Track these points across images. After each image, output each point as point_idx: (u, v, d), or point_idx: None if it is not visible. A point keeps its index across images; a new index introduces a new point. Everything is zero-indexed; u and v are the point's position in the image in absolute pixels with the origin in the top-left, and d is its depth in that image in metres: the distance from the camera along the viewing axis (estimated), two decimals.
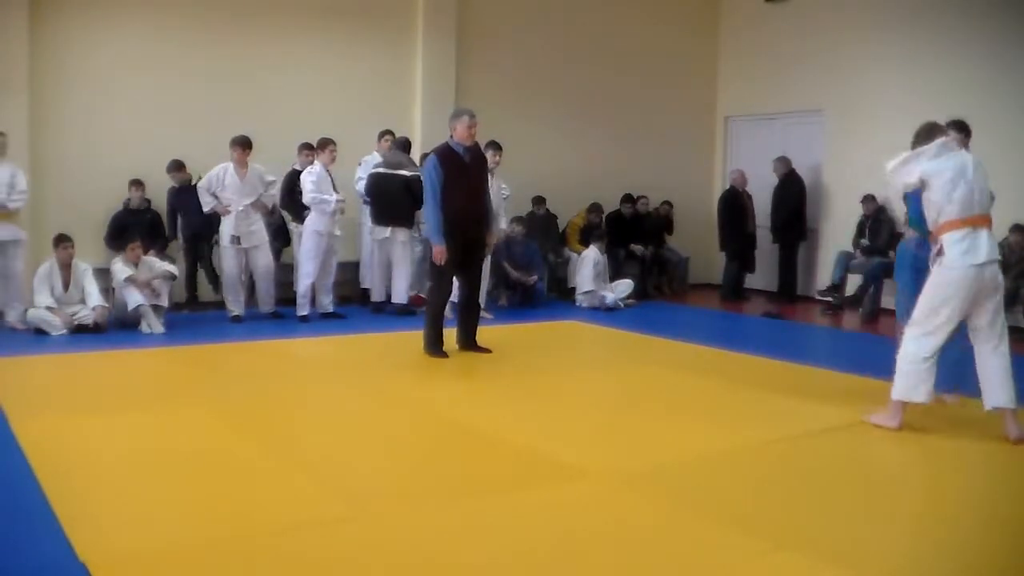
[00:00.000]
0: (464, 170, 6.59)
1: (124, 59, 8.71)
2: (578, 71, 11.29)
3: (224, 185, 8.14)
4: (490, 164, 8.41)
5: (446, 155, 6.58)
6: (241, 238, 8.21)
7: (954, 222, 4.67)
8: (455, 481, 3.97)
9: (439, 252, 6.54)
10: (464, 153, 6.63)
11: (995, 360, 4.67)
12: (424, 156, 9.44)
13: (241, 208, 8.17)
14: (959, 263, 4.60)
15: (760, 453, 4.51)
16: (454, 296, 7.08)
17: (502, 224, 8.56)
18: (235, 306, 8.29)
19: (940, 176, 4.70)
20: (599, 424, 5.05)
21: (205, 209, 8.22)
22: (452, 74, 10.34)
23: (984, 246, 4.64)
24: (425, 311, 6.92)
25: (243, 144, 8.13)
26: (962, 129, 5.24)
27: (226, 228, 8.20)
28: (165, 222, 8.76)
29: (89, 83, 8.58)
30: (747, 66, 12.10)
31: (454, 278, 6.85)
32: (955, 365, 5.09)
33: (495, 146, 8.68)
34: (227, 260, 8.25)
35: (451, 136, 6.69)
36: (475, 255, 6.82)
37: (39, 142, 8.28)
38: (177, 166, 8.66)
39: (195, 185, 8.45)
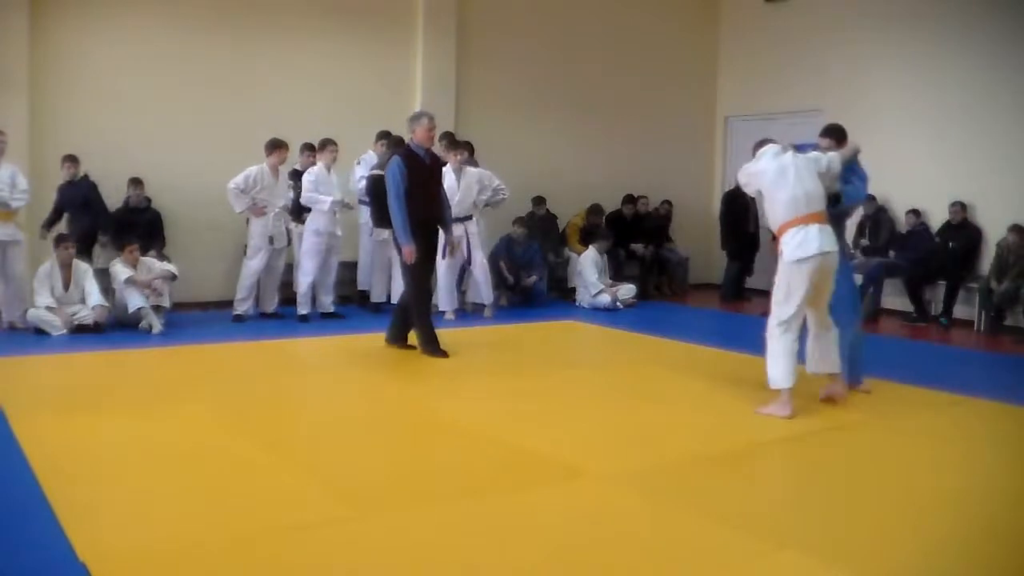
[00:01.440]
0: (425, 172, 6.72)
1: (124, 59, 8.71)
2: (578, 71, 11.29)
3: (262, 187, 8.20)
4: (458, 163, 8.51)
5: (409, 157, 6.69)
6: (274, 239, 8.34)
7: (788, 222, 5.18)
8: (454, 481, 3.97)
9: (409, 252, 6.61)
10: (424, 156, 6.76)
11: (825, 339, 5.32)
12: None
13: (277, 209, 8.31)
14: (793, 257, 5.10)
15: (760, 453, 4.52)
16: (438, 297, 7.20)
17: (468, 228, 8.66)
18: (243, 306, 8.32)
19: (762, 181, 5.31)
20: (599, 424, 5.04)
21: (237, 210, 8.22)
22: (452, 74, 10.33)
23: (815, 240, 5.10)
24: (412, 312, 6.92)
25: (284, 146, 8.28)
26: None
27: (260, 229, 8.26)
28: (50, 218, 8.14)
29: (89, 83, 8.57)
30: (747, 66, 12.09)
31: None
32: (852, 356, 5.63)
33: (464, 145, 8.93)
34: (256, 261, 8.29)
35: (411, 139, 6.81)
36: (432, 255, 6.96)
37: (39, 142, 8.27)
38: (70, 159, 8.19)
39: (72, 182, 8.13)
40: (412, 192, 6.58)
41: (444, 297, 8.70)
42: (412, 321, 7.04)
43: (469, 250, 8.64)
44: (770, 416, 5.08)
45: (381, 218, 8.60)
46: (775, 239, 5.33)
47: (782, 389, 5.10)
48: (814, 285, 5.12)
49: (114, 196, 8.54)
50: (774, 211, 5.28)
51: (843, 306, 5.47)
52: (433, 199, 6.82)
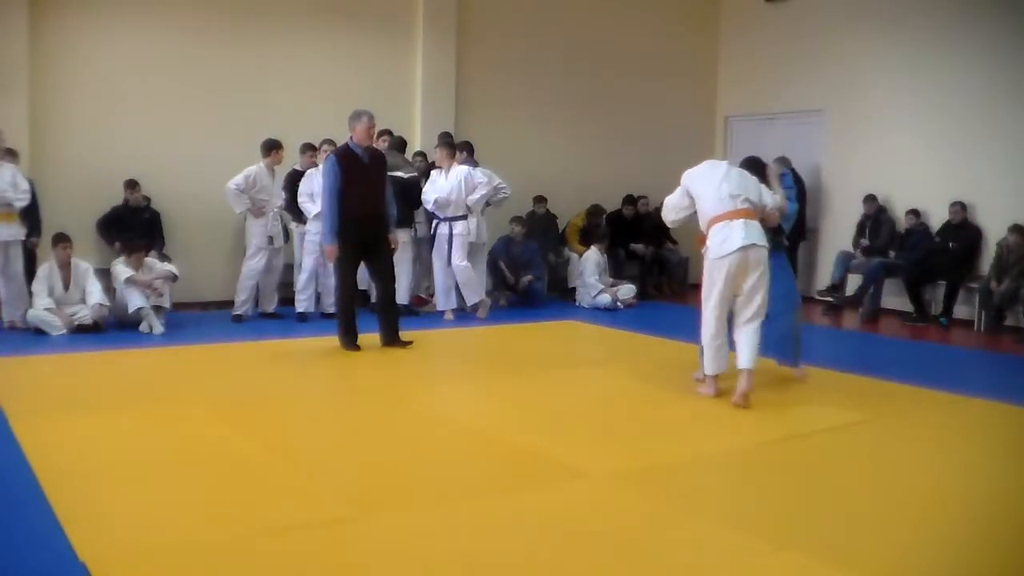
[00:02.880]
0: (363, 170, 6.78)
1: (124, 59, 8.70)
2: (578, 71, 11.29)
3: (260, 187, 8.24)
4: (449, 163, 8.55)
5: (345, 156, 6.76)
6: (274, 239, 8.39)
7: (714, 218, 5.34)
8: (455, 481, 3.97)
9: (330, 251, 6.76)
10: (363, 154, 6.82)
11: (746, 333, 5.35)
12: (416, 155, 9.48)
13: (275, 209, 8.37)
14: (717, 253, 5.27)
15: (760, 453, 4.51)
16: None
17: (455, 228, 8.63)
18: (243, 307, 8.34)
19: (695, 185, 5.53)
20: (599, 424, 5.04)
21: (237, 210, 8.26)
22: (452, 74, 10.34)
23: (738, 234, 5.22)
24: (335, 306, 7.14)
25: (280, 147, 8.35)
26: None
27: (259, 229, 8.30)
28: None
29: (89, 83, 8.56)
30: (747, 66, 12.08)
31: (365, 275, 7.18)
32: (783, 340, 5.93)
33: (461, 145, 9.07)
34: (257, 260, 8.33)
35: (351, 137, 6.86)
36: (380, 253, 6.97)
37: (39, 142, 8.27)
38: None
39: None
40: (347, 190, 6.66)
41: (442, 297, 8.69)
42: (398, 318, 7.10)
43: (450, 250, 8.61)
44: (702, 395, 5.49)
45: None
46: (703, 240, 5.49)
47: (709, 376, 5.49)
48: (735, 277, 5.26)
49: (114, 197, 8.53)
50: (702, 209, 5.43)
51: (775, 302, 5.57)
52: (371, 197, 6.86)
